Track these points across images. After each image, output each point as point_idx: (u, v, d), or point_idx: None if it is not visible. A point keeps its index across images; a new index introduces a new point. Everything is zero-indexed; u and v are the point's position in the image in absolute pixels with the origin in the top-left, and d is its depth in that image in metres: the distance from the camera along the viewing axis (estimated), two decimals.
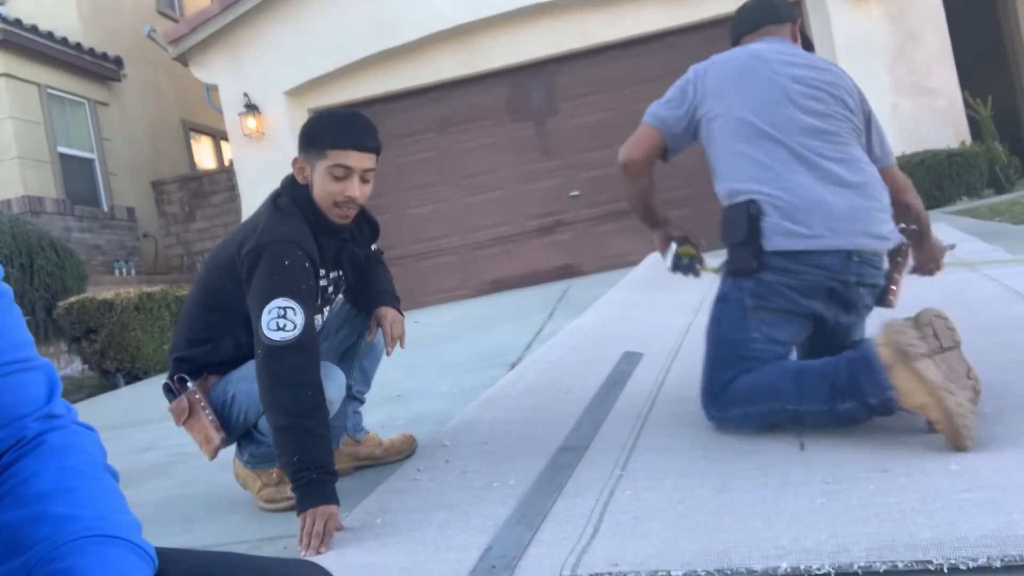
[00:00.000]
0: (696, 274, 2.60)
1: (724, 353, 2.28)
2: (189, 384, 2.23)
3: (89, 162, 11.79)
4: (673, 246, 2.59)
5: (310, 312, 2.06)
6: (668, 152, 2.49)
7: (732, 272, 2.30)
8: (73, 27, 11.56)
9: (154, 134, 12.97)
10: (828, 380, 2.06)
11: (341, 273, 2.33)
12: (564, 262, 8.94)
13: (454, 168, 9.38)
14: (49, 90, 11.14)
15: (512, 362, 3.84)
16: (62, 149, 11.27)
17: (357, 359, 2.50)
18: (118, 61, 12.11)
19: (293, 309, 2.01)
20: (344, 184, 2.15)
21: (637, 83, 9.07)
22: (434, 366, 4.05)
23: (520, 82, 9.33)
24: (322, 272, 2.22)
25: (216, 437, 2.19)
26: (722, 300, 2.33)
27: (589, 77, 9.19)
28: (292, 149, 2.28)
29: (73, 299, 6.81)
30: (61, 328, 7.12)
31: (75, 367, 8.07)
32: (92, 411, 5.26)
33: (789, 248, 2.20)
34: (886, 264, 2.34)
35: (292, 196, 2.21)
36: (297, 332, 1.99)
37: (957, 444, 1.83)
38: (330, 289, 2.31)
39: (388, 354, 2.37)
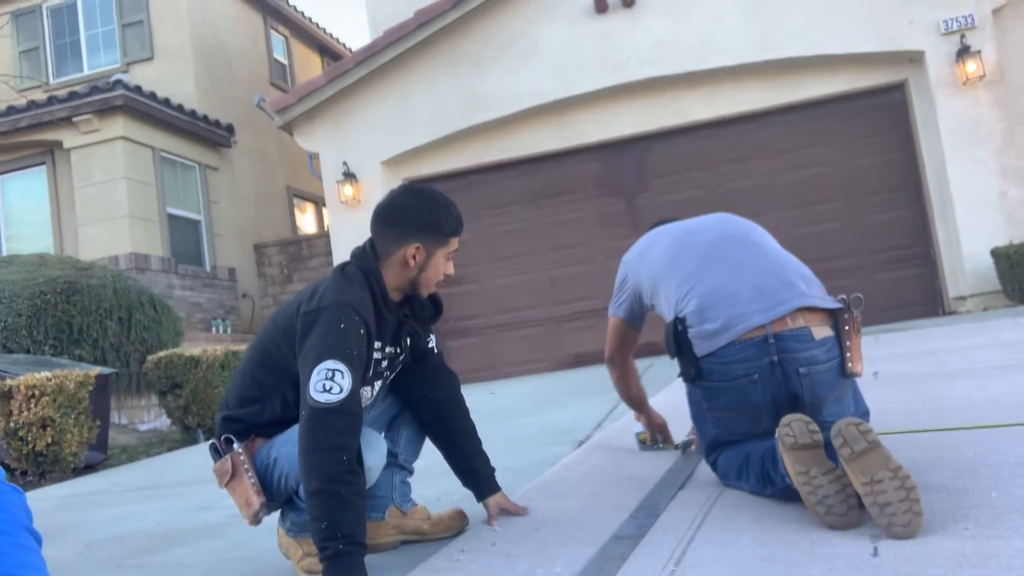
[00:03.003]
0: (665, 448, 3.16)
1: (703, 440, 2.58)
2: (235, 445, 2.20)
3: (196, 223, 12.30)
4: (636, 429, 3.23)
5: (359, 377, 2.02)
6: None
7: (684, 379, 2.52)
8: (189, 95, 12.20)
9: (259, 198, 13.47)
10: (758, 466, 2.29)
11: (399, 350, 2.30)
12: (649, 340, 8.73)
13: (543, 240, 9.40)
14: (163, 153, 11.73)
15: (580, 440, 3.72)
16: (171, 210, 11.80)
17: (404, 427, 2.46)
18: (230, 128, 12.70)
19: (342, 372, 1.98)
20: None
21: (730, 162, 8.98)
22: (501, 440, 3.95)
23: (612, 157, 9.34)
24: (377, 344, 2.19)
25: (256, 501, 2.14)
26: (688, 400, 2.59)
27: (681, 154, 9.14)
28: None
29: (162, 354, 7.01)
30: (151, 382, 7.32)
31: (163, 421, 8.28)
32: (167, 465, 5.35)
33: (710, 349, 2.37)
34: (825, 333, 2.36)
35: (361, 267, 2.20)
36: (343, 396, 1.96)
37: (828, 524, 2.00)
38: (383, 364, 2.27)
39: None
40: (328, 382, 1.95)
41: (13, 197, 11.82)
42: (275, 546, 2.44)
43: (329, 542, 1.83)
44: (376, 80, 9.64)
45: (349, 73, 9.62)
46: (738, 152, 8.99)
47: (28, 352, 7.55)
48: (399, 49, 9.44)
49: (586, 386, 5.86)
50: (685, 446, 3.04)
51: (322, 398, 1.94)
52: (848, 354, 2.35)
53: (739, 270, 2.48)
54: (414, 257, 2.20)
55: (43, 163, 11.58)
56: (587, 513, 2.44)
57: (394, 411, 2.46)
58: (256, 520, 2.19)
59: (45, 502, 4.51)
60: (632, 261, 2.87)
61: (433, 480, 2.89)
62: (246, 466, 2.17)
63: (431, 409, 2.42)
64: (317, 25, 16.08)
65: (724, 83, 8.94)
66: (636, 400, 3.15)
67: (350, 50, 15.83)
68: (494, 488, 2.42)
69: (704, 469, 2.70)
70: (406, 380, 2.40)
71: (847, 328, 2.36)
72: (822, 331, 2.35)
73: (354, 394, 1.98)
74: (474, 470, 2.41)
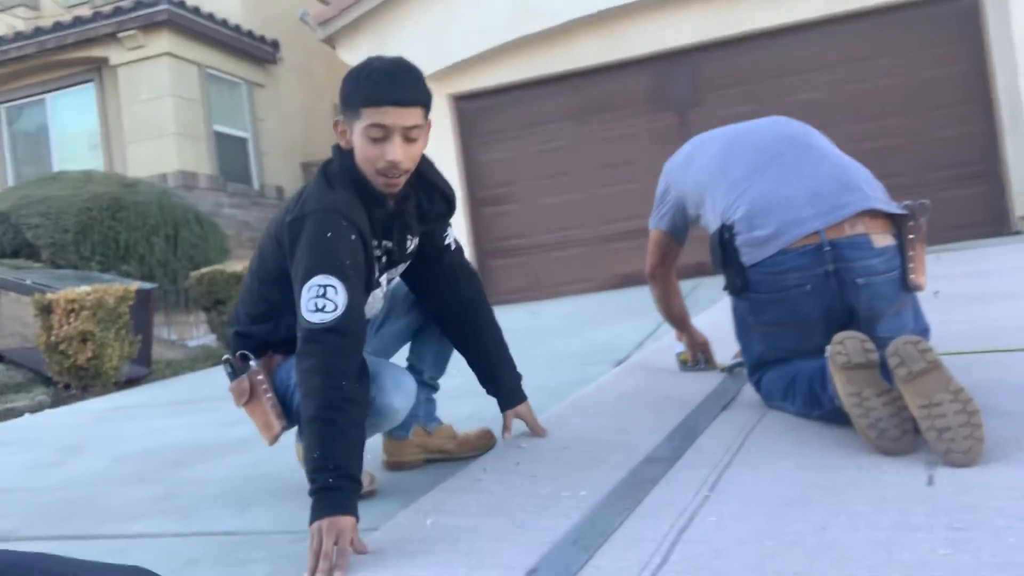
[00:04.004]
0: (707, 369, 3.00)
1: (747, 359, 2.42)
2: (252, 363, 2.06)
3: (243, 141, 12.24)
4: (677, 349, 3.08)
5: (355, 290, 1.81)
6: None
7: (729, 292, 2.37)
8: (234, 10, 12.00)
9: (306, 116, 13.33)
10: (805, 385, 2.14)
11: (394, 246, 2.05)
12: (697, 260, 8.52)
13: (590, 158, 9.12)
14: (209, 70, 11.61)
15: (619, 360, 3.58)
16: (218, 127, 11.73)
17: (429, 341, 2.31)
18: (275, 44, 12.51)
19: (334, 287, 1.77)
20: (384, 147, 1.85)
21: (788, 74, 8.55)
22: (539, 359, 3.84)
23: (664, 70, 8.96)
24: (374, 243, 1.97)
25: (277, 424, 2.02)
26: (733, 315, 2.43)
27: (737, 67, 8.72)
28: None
29: (205, 270, 7.01)
30: (195, 298, 7.35)
31: (211, 337, 8.35)
32: (207, 381, 5.35)
33: (759, 258, 2.22)
34: (887, 242, 2.17)
35: (340, 162, 1.96)
36: (338, 313, 1.76)
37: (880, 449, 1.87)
38: (383, 260, 2.04)
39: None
40: (320, 299, 1.77)
41: (63, 115, 11.84)
42: (297, 462, 2.37)
43: (319, 473, 1.64)
44: None
45: None
46: (797, 64, 8.55)
47: (75, 268, 7.62)
48: None
49: (630, 306, 5.70)
50: (731, 368, 2.88)
51: (315, 318, 1.76)
52: (911, 264, 2.16)
53: (794, 174, 2.28)
54: (343, 136, 1.94)
55: (91, 80, 11.54)
56: (620, 434, 2.31)
57: (419, 324, 2.30)
58: (274, 441, 2.08)
59: (82, 415, 4.55)
60: (675, 169, 2.67)
61: (463, 398, 2.79)
62: (264, 386, 2.03)
63: (451, 312, 2.23)
64: None
65: None
66: (677, 318, 2.98)
67: None
68: (517, 398, 2.27)
69: (749, 391, 2.55)
70: (423, 282, 2.22)
71: (911, 237, 2.17)
72: (883, 239, 2.16)
73: (351, 309, 1.78)
74: (496, 378, 2.25)
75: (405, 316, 2.28)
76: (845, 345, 1.95)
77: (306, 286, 1.79)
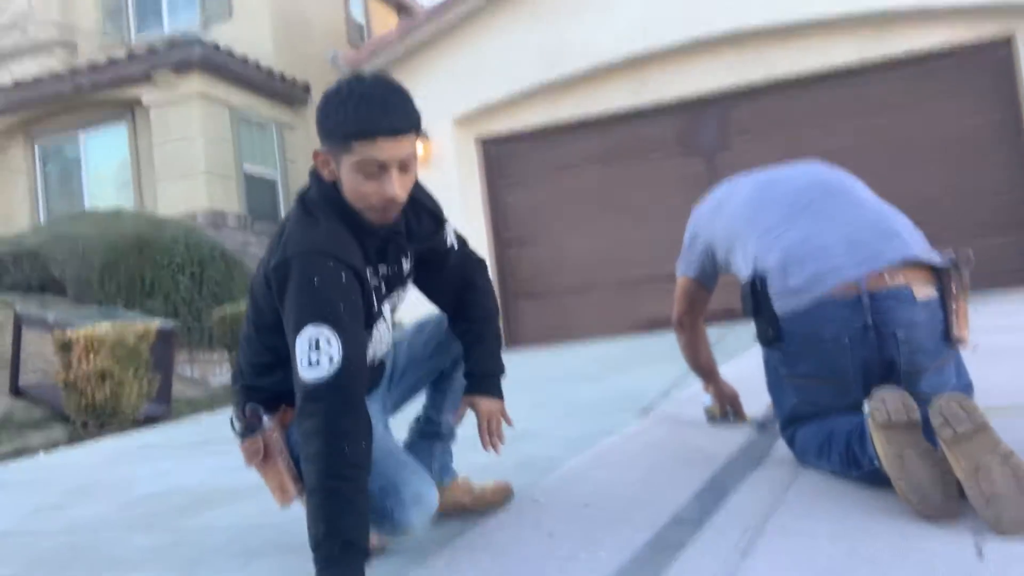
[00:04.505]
0: (736, 422, 2.87)
1: (779, 412, 2.29)
2: (265, 420, 1.88)
3: (271, 181, 12.32)
4: (705, 401, 2.94)
5: (353, 336, 1.64)
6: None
7: (761, 342, 2.25)
8: (267, 53, 12.15)
9: None
10: (842, 444, 2.01)
11: (397, 268, 1.90)
12: (725, 306, 8.39)
13: (616, 201, 9.07)
14: (239, 111, 11.73)
15: (644, 408, 3.47)
16: (247, 167, 11.82)
17: (450, 387, 2.16)
18: (306, 87, 12.63)
19: (327, 338, 1.60)
20: (378, 182, 1.68)
21: (818, 121, 8.48)
22: (560, 405, 3.73)
23: (691, 115, 8.93)
24: (369, 271, 1.80)
25: (292, 488, 1.84)
26: (765, 366, 2.31)
27: (766, 113, 8.68)
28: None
29: (227, 309, 6.97)
30: (218, 336, 7.32)
31: None
32: (222, 421, 5.25)
33: (793, 309, 2.11)
34: (929, 294, 2.05)
35: (321, 190, 1.78)
36: (334, 368, 1.58)
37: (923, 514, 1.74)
38: (383, 288, 1.87)
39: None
40: (313, 353, 1.60)
41: (96, 153, 11.99)
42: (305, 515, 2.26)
43: (324, 546, 1.52)
44: (449, 35, 9.39)
45: (421, 28, 9.40)
46: (827, 111, 8.48)
47: (100, 305, 7.63)
48: (472, 3, 9.17)
49: (655, 352, 5.58)
50: (761, 423, 2.76)
51: (310, 375, 1.59)
52: (954, 318, 2.04)
53: (830, 221, 2.18)
54: (326, 166, 1.75)
55: (124, 120, 11.70)
56: (645, 490, 2.19)
57: (440, 368, 2.16)
58: (289, 504, 1.91)
59: (95, 455, 4.48)
60: (705, 214, 2.59)
61: (479, 447, 2.68)
62: (280, 446, 1.86)
63: (451, 304, 2.06)
64: None
65: (812, 37, 8.42)
66: (705, 368, 2.87)
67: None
68: (482, 387, 1.98)
69: (781, 447, 2.42)
70: (435, 288, 2.05)
71: (953, 289, 2.05)
72: (925, 290, 2.05)
73: (349, 360, 1.60)
74: (471, 356, 2.02)
75: (426, 363, 2.15)
76: (885, 402, 1.83)
77: (298, 339, 1.63)
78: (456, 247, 2.06)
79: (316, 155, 1.76)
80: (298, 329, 1.63)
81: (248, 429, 1.91)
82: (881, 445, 1.82)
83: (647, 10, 8.66)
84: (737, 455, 2.46)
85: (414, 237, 1.93)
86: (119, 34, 12.86)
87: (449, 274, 2.04)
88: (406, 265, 1.93)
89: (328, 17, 13.75)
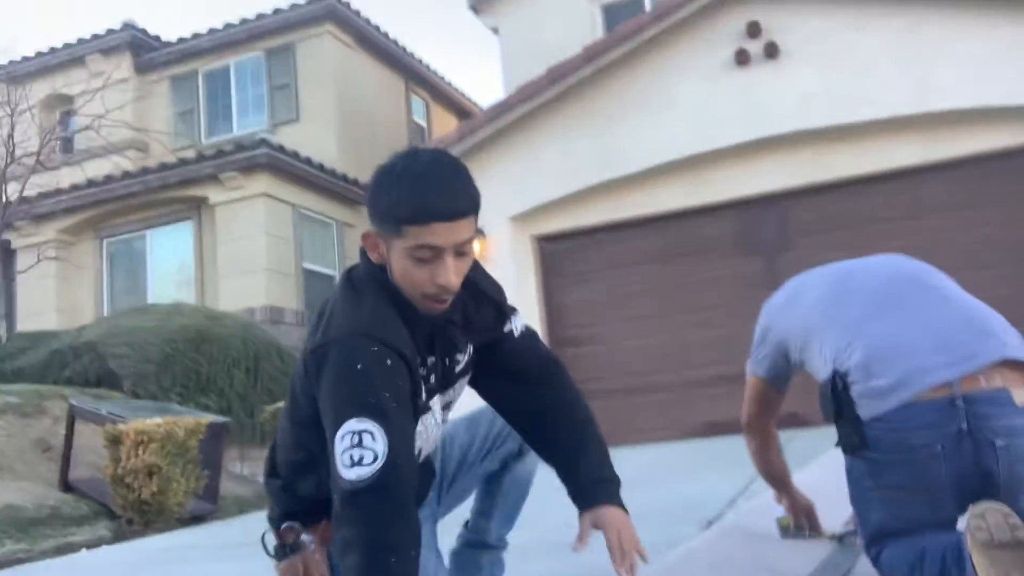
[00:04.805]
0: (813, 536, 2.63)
1: (864, 528, 2.10)
2: (304, 538, 1.70)
3: (330, 278, 12.47)
4: (778, 513, 2.73)
5: (399, 429, 1.46)
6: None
7: (844, 449, 2.09)
8: (331, 155, 12.48)
9: None
10: (937, 566, 1.82)
11: (448, 362, 1.71)
12: (790, 410, 8.05)
13: (675, 302, 8.91)
14: (302, 210, 11.99)
15: (709, 519, 3.23)
16: (307, 265, 12.00)
17: (501, 495, 1.97)
18: (367, 187, 12.89)
19: (371, 433, 1.42)
20: (433, 268, 1.53)
21: (881, 221, 8.29)
22: None
23: (750, 215, 8.82)
24: (417, 360, 1.61)
25: None
26: (848, 476, 2.13)
27: (827, 213, 8.52)
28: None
29: (280, 404, 6.91)
30: (270, 433, 7.24)
31: None
32: (263, 523, 5.12)
33: (879, 412, 1.94)
34: None
35: (368, 269, 1.64)
36: (378, 465, 1.40)
37: None
38: (431, 379, 1.68)
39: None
40: (356, 451, 1.41)
41: (161, 249, 12.31)
42: None
43: None
44: (506, 137, 9.51)
45: (479, 130, 9.54)
46: (890, 211, 8.30)
47: (155, 399, 7.64)
48: (530, 106, 9.30)
49: (717, 457, 5.33)
50: (841, 536, 2.53)
51: (352, 474, 1.40)
52: None
53: (918, 316, 2.02)
54: (375, 250, 1.61)
55: (190, 218, 12.04)
56: None
57: (490, 471, 1.96)
58: None
59: (136, 554, 4.37)
60: (777, 308, 2.43)
61: (537, 556, 2.50)
62: (322, 571, 1.67)
63: (522, 402, 1.77)
64: (455, 88, 16.32)
65: (875, 137, 8.31)
66: (777, 476, 2.67)
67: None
68: (597, 497, 1.65)
69: (865, 566, 2.20)
70: (491, 383, 1.81)
71: None
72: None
73: (395, 455, 1.42)
74: (573, 470, 1.69)
75: (479, 465, 1.96)
76: (986, 519, 1.65)
77: (338, 435, 1.45)
78: (518, 335, 1.81)
79: (365, 236, 1.63)
80: (338, 422, 1.45)
81: (286, 550, 1.71)
82: (983, 568, 1.62)
83: (705, 110, 8.68)
84: (815, 574, 2.24)
85: (472, 328, 1.73)
86: (190, 136, 13.37)
87: (506, 364, 1.79)
88: (460, 359, 1.73)
89: (391, 119, 14.15)
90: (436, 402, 1.70)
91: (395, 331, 1.55)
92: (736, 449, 5.93)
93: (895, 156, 8.26)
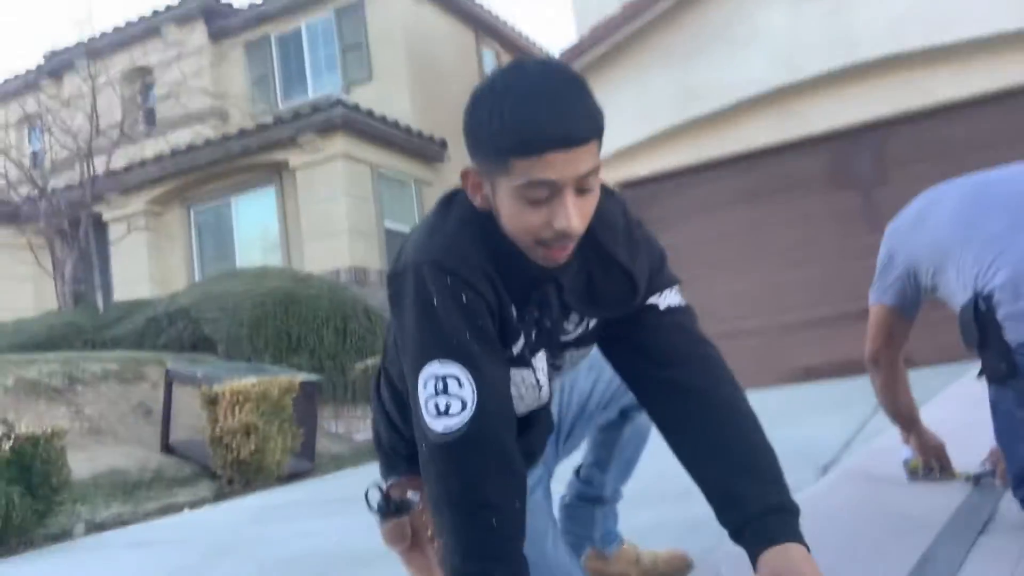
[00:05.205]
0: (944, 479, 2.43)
1: (1012, 465, 1.91)
2: (412, 495, 1.54)
3: (395, 260, 12.48)
4: (906, 454, 2.52)
5: (488, 371, 1.25)
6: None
7: (990, 379, 1.90)
8: (405, 112, 12.41)
9: None
10: None
11: (541, 316, 1.39)
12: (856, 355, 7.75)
13: (764, 243, 8.59)
14: (380, 170, 11.98)
15: (825, 465, 3.07)
16: (388, 224, 12.01)
17: (619, 447, 1.84)
18: (443, 143, 12.82)
19: (457, 378, 1.23)
20: (550, 210, 1.22)
21: (984, 147, 7.77)
22: None
23: (843, 148, 8.40)
24: (512, 309, 1.34)
25: None
26: (993, 410, 1.94)
27: (926, 141, 8.04)
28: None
29: (369, 361, 6.93)
30: (362, 390, 7.29)
31: None
32: (366, 478, 5.15)
33: None
34: None
35: (471, 207, 1.34)
36: (468, 416, 1.22)
37: None
38: (532, 336, 1.39)
39: None
40: (442, 398, 1.23)
41: (246, 215, 12.50)
42: None
43: None
44: None
45: None
46: (996, 136, 7.78)
47: (248, 361, 7.77)
48: (605, 47, 9.02)
49: (820, 402, 5.12)
50: (979, 477, 2.33)
51: (438, 425, 1.23)
52: None
53: None
54: (477, 191, 1.30)
55: (272, 183, 12.16)
56: (847, 562, 1.83)
57: (609, 419, 1.80)
58: None
59: (238, 513, 4.42)
60: (904, 229, 2.22)
61: (647, 505, 2.38)
62: (430, 532, 1.52)
63: (665, 399, 1.42)
64: (526, 37, 16.02)
65: (975, 57, 7.78)
66: (906, 414, 2.47)
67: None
68: (775, 534, 1.27)
69: (1011, 509, 2.01)
70: (621, 354, 1.48)
71: None
72: None
73: (487, 403, 1.23)
74: (729, 495, 1.32)
75: (598, 415, 1.79)
76: None
77: (420, 379, 1.26)
78: (664, 310, 1.46)
79: (465, 175, 1.31)
80: (419, 365, 1.26)
81: (392, 509, 1.57)
82: None
83: (790, 39, 8.27)
84: (954, 520, 2.06)
85: (596, 298, 1.41)
86: (267, 101, 13.46)
87: (644, 340, 1.44)
88: (574, 327, 1.44)
89: (462, 73, 13.97)
90: (539, 360, 1.42)
91: (474, 263, 1.28)
92: (839, 392, 5.70)
93: (999, 76, 7.74)
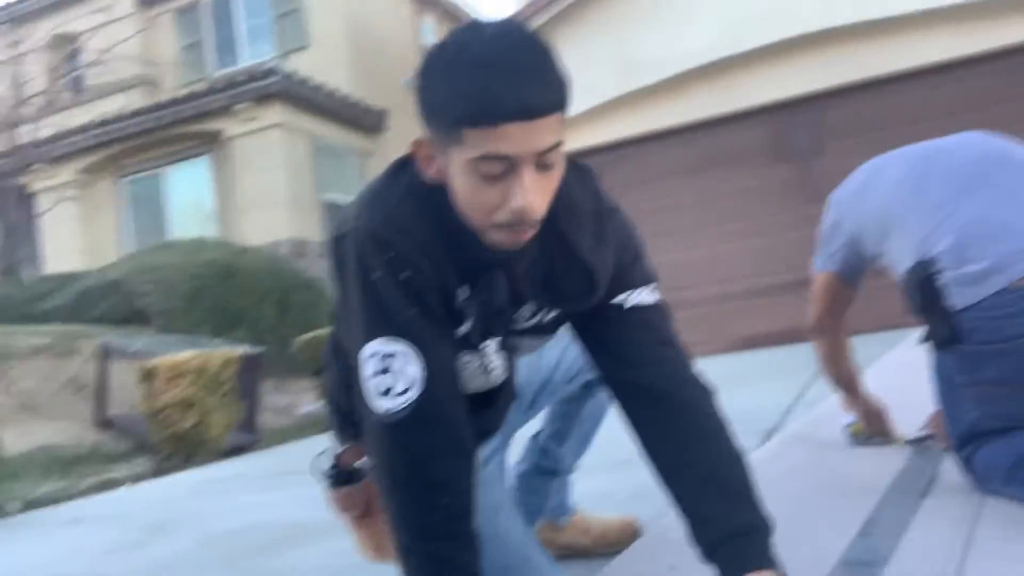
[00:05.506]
0: (886, 443, 2.49)
1: (954, 429, 1.94)
2: (365, 464, 1.47)
3: (337, 221, 12.33)
4: (848, 420, 2.58)
5: (436, 353, 1.19)
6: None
7: (932, 344, 1.91)
8: (342, 80, 12.20)
9: None
10: None
11: (491, 299, 1.27)
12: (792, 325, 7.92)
13: (705, 214, 8.69)
14: (318, 140, 11.77)
15: (767, 430, 3.12)
16: (328, 196, 11.84)
17: (579, 420, 1.81)
18: (383, 113, 12.64)
19: (402, 356, 1.17)
20: (506, 188, 1.10)
21: (922, 119, 7.95)
22: None
23: (782, 120, 8.51)
24: (459, 291, 1.25)
25: (391, 549, 1.30)
26: (935, 376, 1.97)
27: (862, 114, 8.19)
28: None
29: (310, 334, 6.84)
30: (304, 363, 7.20)
31: (323, 404, 8.17)
32: (310, 450, 5.09)
33: (973, 301, 1.75)
34: None
35: (422, 184, 1.23)
36: (413, 396, 1.16)
37: None
38: (480, 321, 1.28)
39: None
40: (386, 377, 1.17)
41: (179, 186, 12.20)
42: None
43: None
44: None
45: None
46: (928, 108, 7.95)
47: (186, 335, 7.60)
48: (545, 17, 8.96)
49: (763, 369, 5.21)
50: (919, 441, 2.39)
51: (384, 405, 1.17)
52: None
53: (1012, 195, 1.83)
54: (429, 164, 1.19)
55: (206, 153, 11.88)
56: (796, 527, 1.85)
57: (571, 392, 1.78)
58: (381, 562, 1.53)
59: (178, 488, 4.34)
60: (849, 197, 2.24)
61: (593, 474, 2.38)
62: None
63: (633, 401, 1.32)
64: (467, 6, 15.85)
65: (909, 32, 7.93)
66: (847, 380, 2.51)
67: None
68: (747, 559, 1.18)
69: (951, 472, 2.06)
70: (593, 350, 1.37)
71: None
72: None
73: (434, 383, 1.17)
74: (697, 515, 1.23)
75: (561, 388, 1.75)
76: None
77: (364, 354, 1.19)
78: (630, 308, 1.33)
79: (417, 146, 1.19)
80: (363, 343, 1.19)
81: (343, 476, 1.51)
82: None
83: (730, 12, 8.31)
84: (897, 483, 2.10)
85: (554, 291, 1.31)
86: (199, 69, 13.10)
87: (606, 338, 1.34)
88: (530, 315, 1.34)
89: (401, 42, 13.78)
90: (488, 346, 1.32)
91: (415, 240, 1.18)
92: (780, 360, 5.80)
93: (931, 50, 7.90)
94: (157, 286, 8.01)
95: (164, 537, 3.03)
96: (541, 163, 1.10)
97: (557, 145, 1.11)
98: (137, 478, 5.04)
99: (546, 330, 1.39)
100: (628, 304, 1.32)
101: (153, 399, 5.22)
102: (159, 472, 5.20)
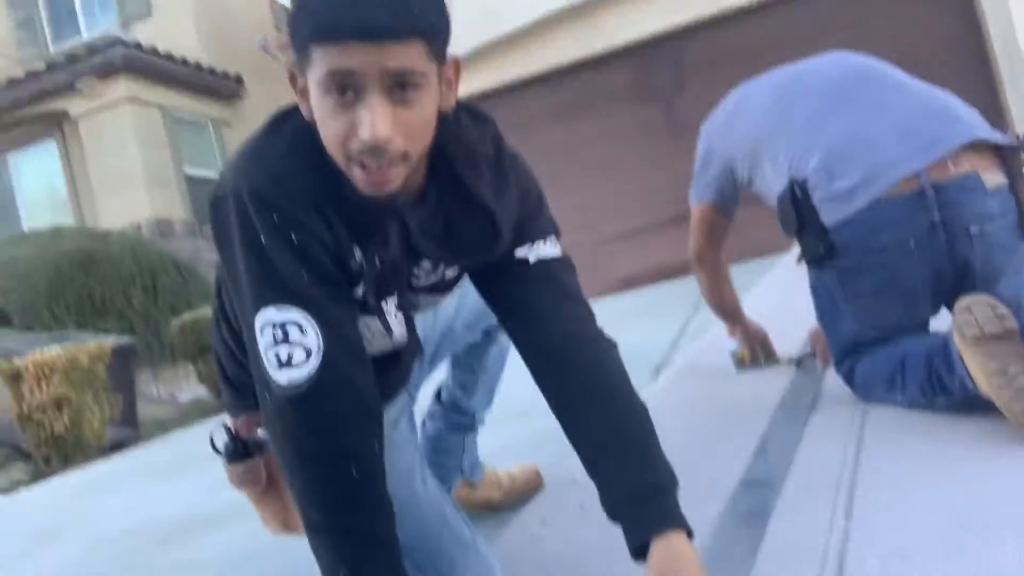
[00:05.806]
0: (770, 365, 2.57)
1: (835, 343, 1.99)
2: (264, 435, 1.39)
3: (215, 183, 11.85)
4: (732, 347, 2.64)
5: (335, 318, 1.12)
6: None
7: (809, 263, 1.96)
8: (192, 48, 11.64)
9: None
10: (923, 369, 1.72)
11: (388, 256, 1.21)
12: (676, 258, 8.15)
13: (577, 158, 8.75)
14: (173, 112, 11.23)
15: (657, 365, 3.18)
16: (189, 170, 11.33)
17: (483, 370, 1.76)
18: (238, 79, 12.14)
19: (299, 325, 1.09)
20: (352, 113, 1.03)
21: (776, 49, 8.13)
22: None
23: (644, 60, 8.62)
24: (355, 248, 1.17)
25: (297, 523, 1.24)
26: (813, 293, 2.02)
27: (720, 48, 8.37)
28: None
29: (187, 317, 6.58)
30: (180, 348, 6.91)
31: (205, 389, 7.88)
32: (196, 439, 4.91)
33: (845, 216, 1.81)
34: (999, 180, 1.79)
35: (303, 123, 1.15)
36: (314, 366, 1.09)
37: None
38: (369, 276, 1.20)
39: None
40: (283, 347, 1.09)
41: (27, 173, 11.46)
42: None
43: None
44: None
45: None
46: (784, 38, 8.17)
47: (50, 329, 7.18)
48: None
49: (646, 308, 5.33)
50: (801, 360, 2.47)
51: (283, 377, 1.09)
52: None
53: (876, 109, 1.88)
54: (303, 94, 1.10)
55: (52, 135, 11.16)
56: (696, 454, 1.89)
57: (473, 340, 1.70)
58: (288, 535, 1.48)
59: (60, 493, 4.11)
60: (718, 126, 2.27)
61: (493, 427, 2.36)
62: None
63: (538, 361, 1.27)
64: None
65: None
66: (729, 308, 2.57)
67: None
68: (653, 521, 1.13)
69: (831, 386, 2.14)
70: (494, 306, 1.33)
71: (1021, 169, 1.79)
72: (995, 177, 1.77)
73: (333, 347, 1.10)
74: (601, 478, 1.19)
75: (463, 336, 1.69)
76: (972, 312, 1.55)
77: (256, 327, 1.11)
78: (534, 263, 1.27)
79: (292, 79, 1.11)
80: (254, 312, 1.11)
81: (241, 450, 1.41)
82: (977, 363, 1.54)
83: None
84: (784, 402, 2.18)
85: (456, 244, 1.24)
86: (36, 46, 12.23)
87: (509, 296, 1.29)
88: (420, 272, 1.28)
89: (252, 4, 13.22)
90: (388, 305, 1.25)
91: (303, 197, 1.11)
92: (660, 297, 5.94)
93: None
94: (13, 281, 7.52)
95: (52, 544, 2.86)
96: (397, 92, 1.03)
97: (415, 73, 1.02)
98: (13, 487, 4.75)
99: (447, 287, 1.35)
100: (533, 258, 1.27)
101: (22, 402, 4.90)
102: (37, 477, 4.91)
